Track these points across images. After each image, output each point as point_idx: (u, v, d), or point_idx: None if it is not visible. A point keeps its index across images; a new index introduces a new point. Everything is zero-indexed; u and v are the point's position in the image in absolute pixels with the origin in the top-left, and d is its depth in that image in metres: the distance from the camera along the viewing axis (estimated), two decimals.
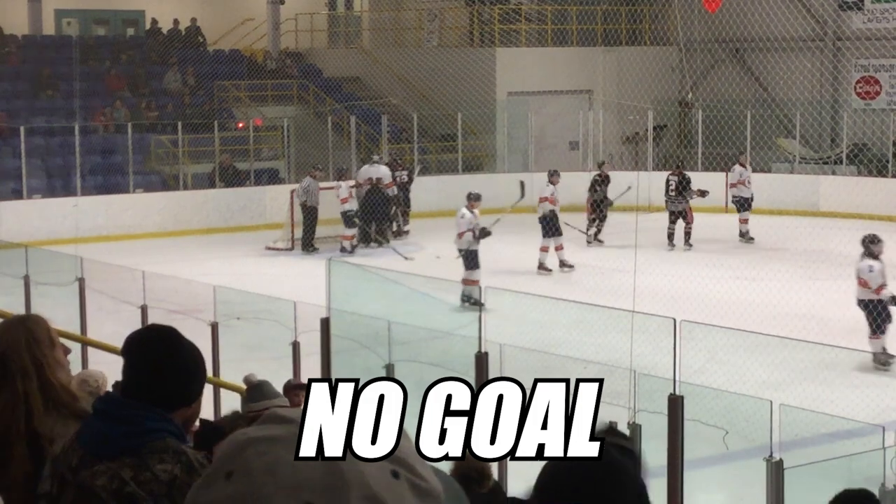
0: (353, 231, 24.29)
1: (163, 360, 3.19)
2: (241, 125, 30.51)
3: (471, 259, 18.81)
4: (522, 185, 21.77)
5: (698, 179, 28.75)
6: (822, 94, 31.93)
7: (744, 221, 24.87)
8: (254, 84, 32.49)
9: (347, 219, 24.18)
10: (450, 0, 35.23)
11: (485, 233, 18.98)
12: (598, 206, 24.57)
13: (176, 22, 34.42)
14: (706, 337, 13.12)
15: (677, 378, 9.09)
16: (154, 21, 34.46)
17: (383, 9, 36.71)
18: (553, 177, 22.42)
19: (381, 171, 25.02)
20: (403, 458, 1.41)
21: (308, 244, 24.21)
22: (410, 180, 26.71)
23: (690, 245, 23.76)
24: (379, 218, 24.98)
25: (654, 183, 27.49)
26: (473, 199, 19.49)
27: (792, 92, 31.60)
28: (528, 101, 31.29)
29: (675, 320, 9.48)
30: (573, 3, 33.88)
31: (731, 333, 13.66)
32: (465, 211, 19.20)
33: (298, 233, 24.83)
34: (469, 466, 6.39)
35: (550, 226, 21.68)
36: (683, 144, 32.54)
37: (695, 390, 9.46)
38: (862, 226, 23.56)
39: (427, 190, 27.46)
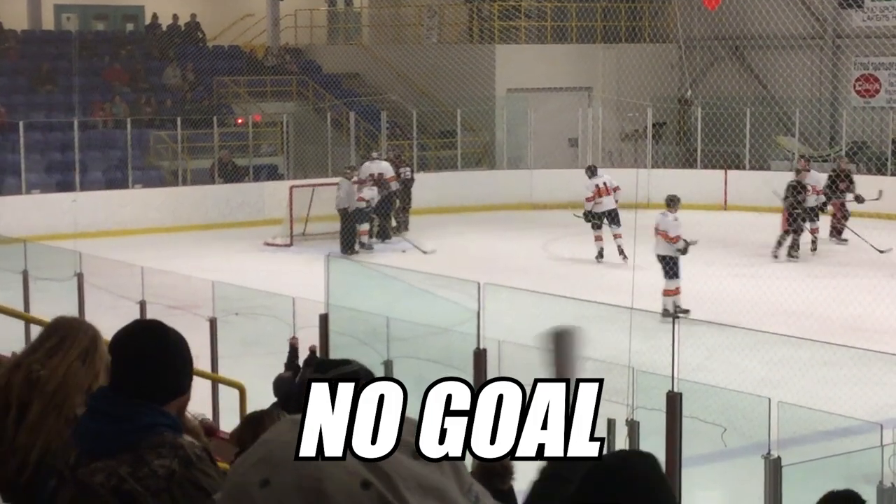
0: (366, 226, 24.25)
1: (155, 353, 3.20)
2: (240, 121, 30.51)
3: (672, 267, 17.89)
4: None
5: (696, 177, 28.81)
6: (822, 92, 31.93)
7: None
8: (253, 80, 32.47)
9: (363, 214, 24.07)
10: None
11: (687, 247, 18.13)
12: (795, 216, 22.42)
13: (175, 17, 34.40)
14: (705, 334, 13.14)
15: (676, 375, 9.10)
16: (155, 16, 34.44)
17: (383, 5, 36.69)
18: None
19: (383, 167, 25.00)
20: (389, 472, 1.39)
21: (349, 246, 23.62)
22: (412, 178, 26.68)
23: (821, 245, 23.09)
24: (384, 213, 24.89)
25: (652, 181, 27.49)
26: (676, 202, 18.63)
27: (791, 90, 31.59)
28: (527, 97, 31.28)
29: (673, 317, 9.48)
30: (573, 0, 33.87)
31: (730, 331, 13.68)
32: (671, 214, 18.34)
33: (297, 228, 24.83)
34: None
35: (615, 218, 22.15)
36: (683, 142, 32.54)
37: (693, 387, 9.46)
38: (861, 224, 23.59)
39: (426, 187, 27.45)
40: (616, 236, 21.79)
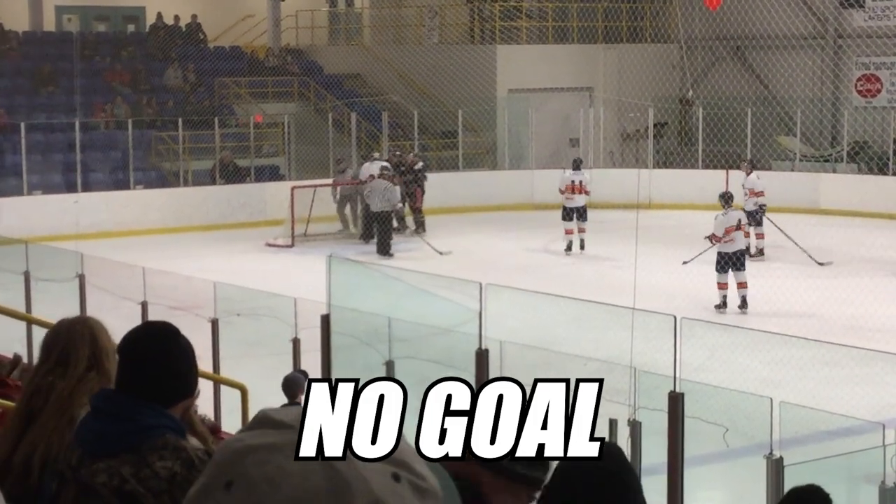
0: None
1: (160, 356, 3.21)
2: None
3: (719, 261, 18.29)
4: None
5: (697, 177, 28.80)
6: (823, 92, 31.92)
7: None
8: (254, 81, 32.47)
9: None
10: None
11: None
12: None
13: (177, 18, 34.40)
14: (706, 334, 13.14)
15: (677, 375, 9.09)
16: (159, 15, 34.39)
17: (384, 5, 36.69)
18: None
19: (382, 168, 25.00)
20: (403, 458, 1.40)
21: (386, 249, 23.35)
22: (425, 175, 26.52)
23: None
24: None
25: (654, 181, 27.54)
26: (728, 198, 19.06)
27: (793, 89, 31.59)
28: (528, 98, 31.28)
29: (675, 317, 9.48)
30: (574, 0, 33.87)
31: (732, 331, 13.68)
32: (733, 212, 18.61)
33: (299, 229, 24.83)
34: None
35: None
36: (684, 142, 32.53)
37: (695, 388, 9.45)
38: (862, 223, 23.59)
39: (427, 187, 27.43)
40: (581, 230, 23.29)
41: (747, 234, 20.05)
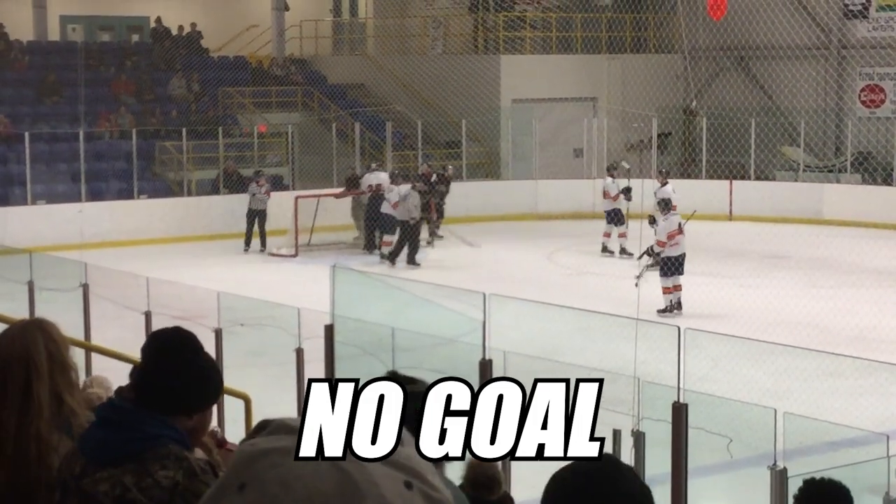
0: (390, 237, 24.19)
1: (169, 362, 3.21)
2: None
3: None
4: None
5: (701, 187, 28.79)
6: (827, 103, 31.93)
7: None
8: (258, 90, 32.50)
9: (392, 224, 24.03)
10: (454, 7, 35.27)
11: None
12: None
13: (181, 28, 34.45)
14: (710, 345, 13.12)
15: (681, 386, 9.08)
16: (158, 20, 34.39)
17: (388, 16, 36.74)
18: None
19: (381, 178, 25.02)
20: (415, 468, 1.40)
21: (413, 257, 23.26)
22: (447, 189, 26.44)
23: None
24: (382, 225, 24.76)
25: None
26: (666, 204, 19.67)
27: (796, 100, 31.60)
28: (532, 108, 31.30)
29: (678, 328, 9.47)
30: (578, 11, 33.90)
31: (735, 341, 13.65)
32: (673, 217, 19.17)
33: (302, 239, 24.84)
34: (480, 472, 6.35)
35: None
36: (688, 152, 32.53)
37: (699, 398, 9.44)
38: (866, 234, 23.58)
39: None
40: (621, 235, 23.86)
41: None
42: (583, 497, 2.14)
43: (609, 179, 24.35)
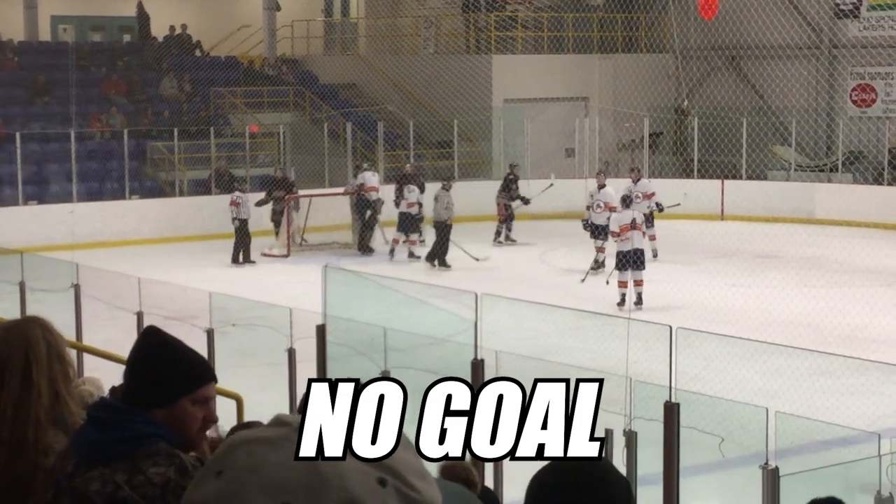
0: (415, 235, 24.08)
1: (138, 356, 3.24)
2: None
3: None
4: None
5: (693, 187, 28.84)
6: (818, 102, 31.97)
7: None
8: (250, 90, 32.48)
9: (412, 223, 23.92)
10: (446, 7, 35.27)
11: None
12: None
13: (172, 28, 34.41)
14: (702, 344, 13.12)
15: (673, 385, 9.08)
16: (146, 16, 34.25)
17: (380, 15, 36.74)
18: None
19: (366, 178, 24.99)
20: (394, 466, 1.42)
21: (443, 260, 22.96)
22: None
23: None
24: (403, 225, 24.43)
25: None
26: (627, 202, 19.48)
27: (788, 99, 31.64)
28: (524, 108, 31.30)
29: (670, 328, 9.47)
30: (569, 11, 33.92)
31: (727, 341, 13.66)
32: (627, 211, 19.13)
33: (297, 239, 24.83)
34: (453, 473, 6.31)
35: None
36: (679, 152, 32.56)
37: (691, 398, 9.44)
38: (858, 233, 23.61)
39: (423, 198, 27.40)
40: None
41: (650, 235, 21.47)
42: (567, 493, 2.15)
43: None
